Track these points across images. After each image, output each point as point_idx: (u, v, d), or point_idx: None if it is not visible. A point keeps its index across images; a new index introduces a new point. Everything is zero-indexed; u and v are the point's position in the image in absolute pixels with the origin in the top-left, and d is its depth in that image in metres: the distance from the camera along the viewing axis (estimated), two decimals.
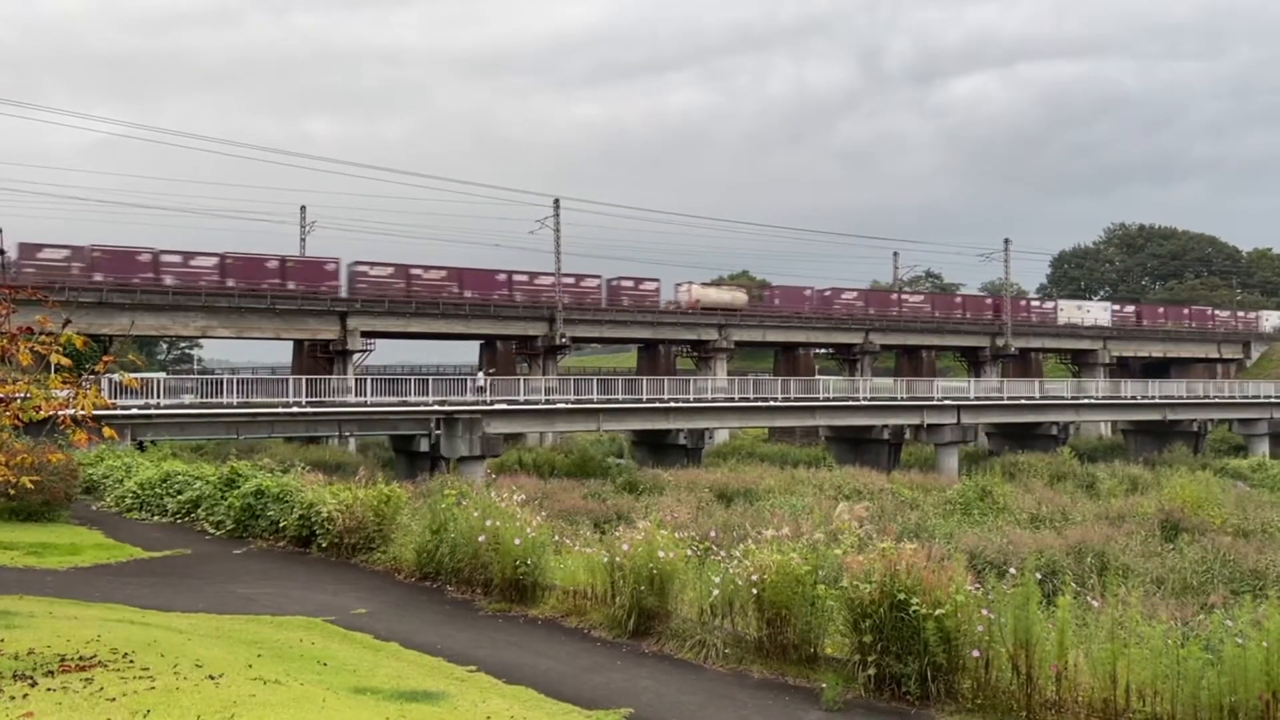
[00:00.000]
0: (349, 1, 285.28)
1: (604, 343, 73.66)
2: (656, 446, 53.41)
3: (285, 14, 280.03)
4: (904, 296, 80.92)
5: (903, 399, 56.10)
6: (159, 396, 37.75)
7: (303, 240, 65.41)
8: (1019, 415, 60.73)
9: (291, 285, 54.82)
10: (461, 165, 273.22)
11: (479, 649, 9.29)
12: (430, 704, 7.26)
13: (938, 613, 7.69)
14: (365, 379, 45.84)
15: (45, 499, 17.84)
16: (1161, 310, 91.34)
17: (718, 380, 58.85)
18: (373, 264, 58.14)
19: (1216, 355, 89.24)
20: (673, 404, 49.49)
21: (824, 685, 8.00)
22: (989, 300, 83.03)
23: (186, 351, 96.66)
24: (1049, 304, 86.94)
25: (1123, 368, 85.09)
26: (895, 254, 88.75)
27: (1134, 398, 65.19)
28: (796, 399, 53.23)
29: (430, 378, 47.11)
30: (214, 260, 53.48)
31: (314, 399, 41.21)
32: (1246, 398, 68.44)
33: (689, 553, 10.02)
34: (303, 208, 66.28)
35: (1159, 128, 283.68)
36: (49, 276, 47.46)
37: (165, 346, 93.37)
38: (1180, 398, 66.04)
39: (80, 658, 7.69)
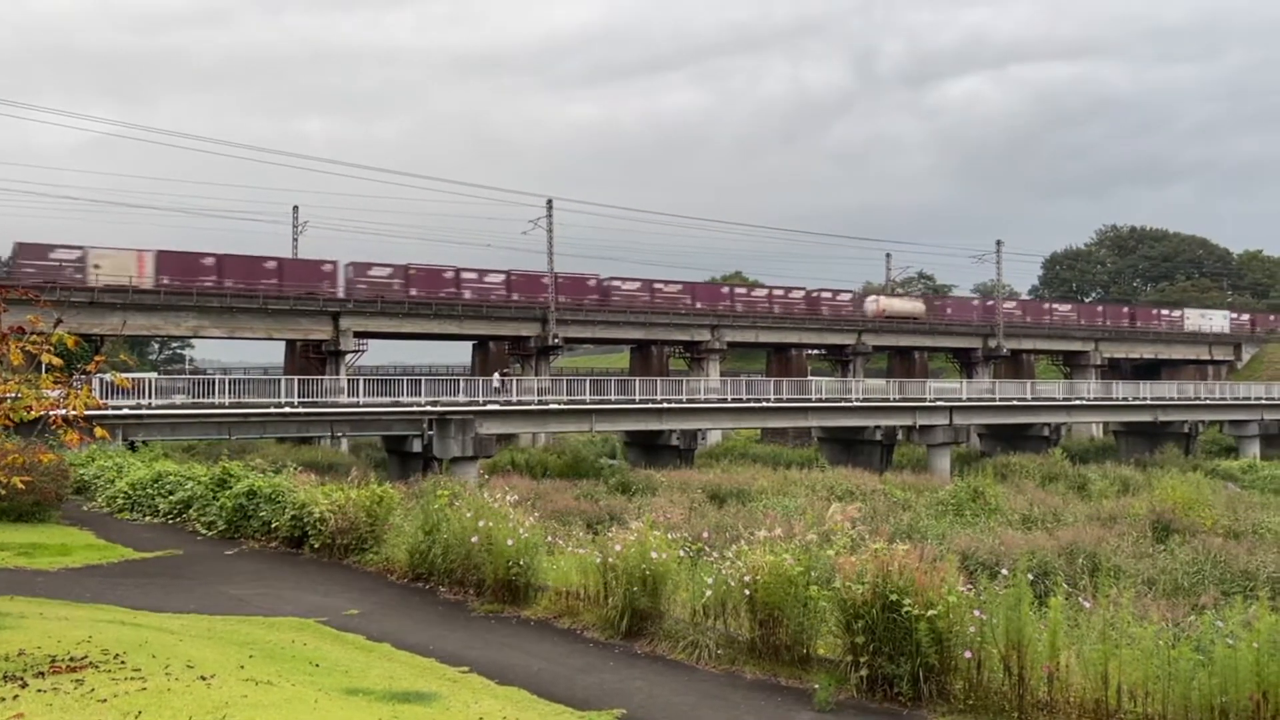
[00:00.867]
0: (343, 2, 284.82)
1: (597, 343, 73.90)
2: (649, 447, 53.42)
3: (279, 14, 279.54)
4: (1054, 306, 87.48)
5: (895, 400, 56.20)
6: (151, 397, 37.63)
7: (295, 241, 65.23)
8: (1011, 416, 60.87)
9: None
10: (456, 165, 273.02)
11: (471, 650, 9.28)
12: (422, 705, 7.25)
13: (930, 614, 7.69)
14: (358, 379, 45.77)
15: (36, 499, 17.77)
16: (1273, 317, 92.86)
17: (710, 381, 58.88)
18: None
19: (1208, 357, 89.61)
20: (665, 405, 49.51)
21: (816, 686, 8.01)
22: (1095, 307, 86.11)
23: (178, 352, 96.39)
24: (1175, 311, 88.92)
25: (1114, 369, 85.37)
26: (888, 255, 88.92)
27: (1125, 399, 65.41)
28: (789, 400, 53.29)
29: (423, 378, 47.10)
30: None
31: (306, 399, 41.13)
32: (1237, 399, 68.72)
33: (681, 553, 10.02)
34: (295, 208, 66.14)
35: (1152, 130, 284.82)
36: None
37: (157, 346, 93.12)
38: (1171, 399, 66.30)
39: (71, 659, 7.66)
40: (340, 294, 56.83)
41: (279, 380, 43.13)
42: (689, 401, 50.73)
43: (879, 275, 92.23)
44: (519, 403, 46.47)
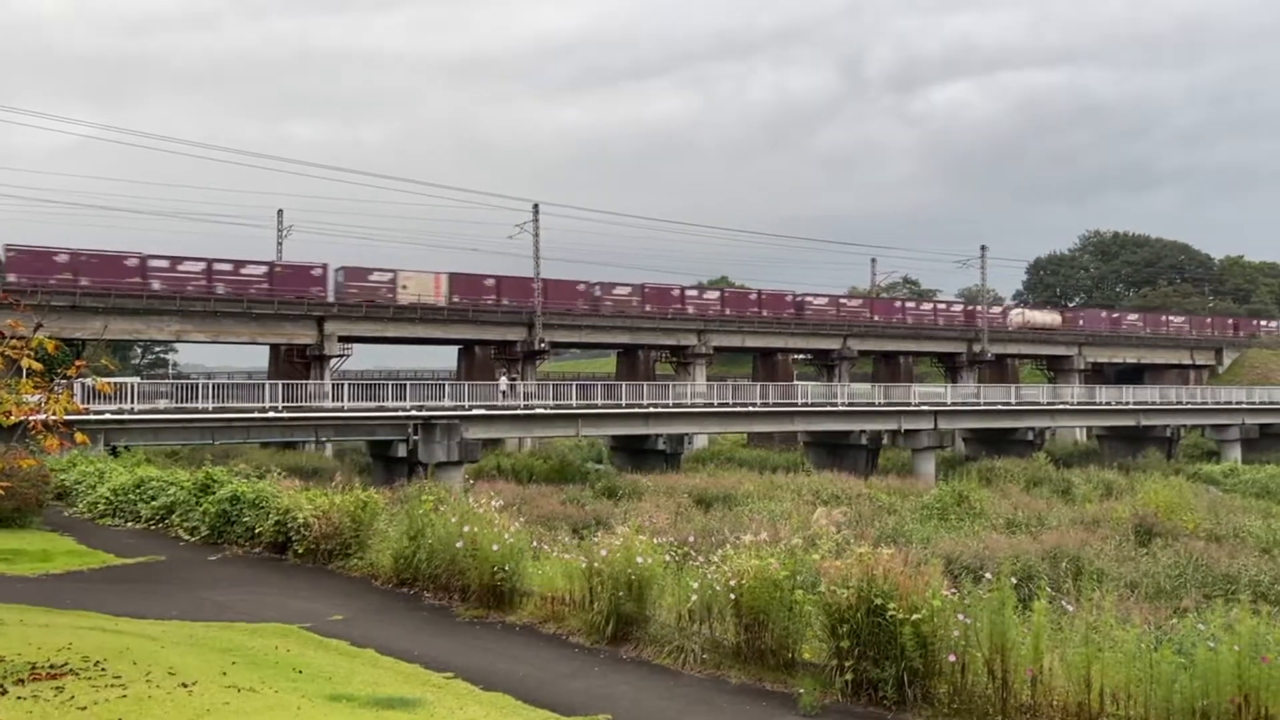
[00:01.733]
0: (330, 5, 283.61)
1: (583, 348, 73.89)
2: (636, 452, 53.43)
3: (263, 18, 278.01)
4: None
5: (880, 405, 56.35)
6: (133, 401, 37.36)
7: (279, 244, 64.92)
8: (996, 421, 61.16)
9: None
10: (443, 170, 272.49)
11: (456, 655, 9.24)
12: (406, 711, 7.23)
13: (914, 618, 7.71)
14: (343, 384, 45.60)
15: (16, 505, 17.60)
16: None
17: (697, 385, 58.95)
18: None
19: (1189, 361, 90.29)
20: (652, 409, 49.49)
21: (801, 690, 8.02)
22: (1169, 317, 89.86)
23: (161, 356, 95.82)
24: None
25: (1097, 373, 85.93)
26: (873, 260, 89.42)
27: (1109, 403, 65.79)
28: (775, 404, 53.37)
29: (408, 383, 46.94)
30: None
31: (291, 404, 40.93)
32: (1218, 403, 69.22)
33: (667, 558, 10.02)
34: (279, 211, 65.83)
35: (1135, 137, 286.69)
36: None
37: (140, 351, 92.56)
38: (1154, 403, 66.74)
39: (51, 666, 7.60)
40: (330, 298, 56.52)
41: (263, 385, 42.93)
42: (675, 406, 50.74)
43: (864, 279, 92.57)
44: (505, 407, 46.39)
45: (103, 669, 7.59)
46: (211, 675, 7.69)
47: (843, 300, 77.12)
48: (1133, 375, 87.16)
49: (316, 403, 42.31)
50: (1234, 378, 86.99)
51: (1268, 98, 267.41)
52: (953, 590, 8.08)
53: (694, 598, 9.21)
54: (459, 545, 11.13)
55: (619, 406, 48.73)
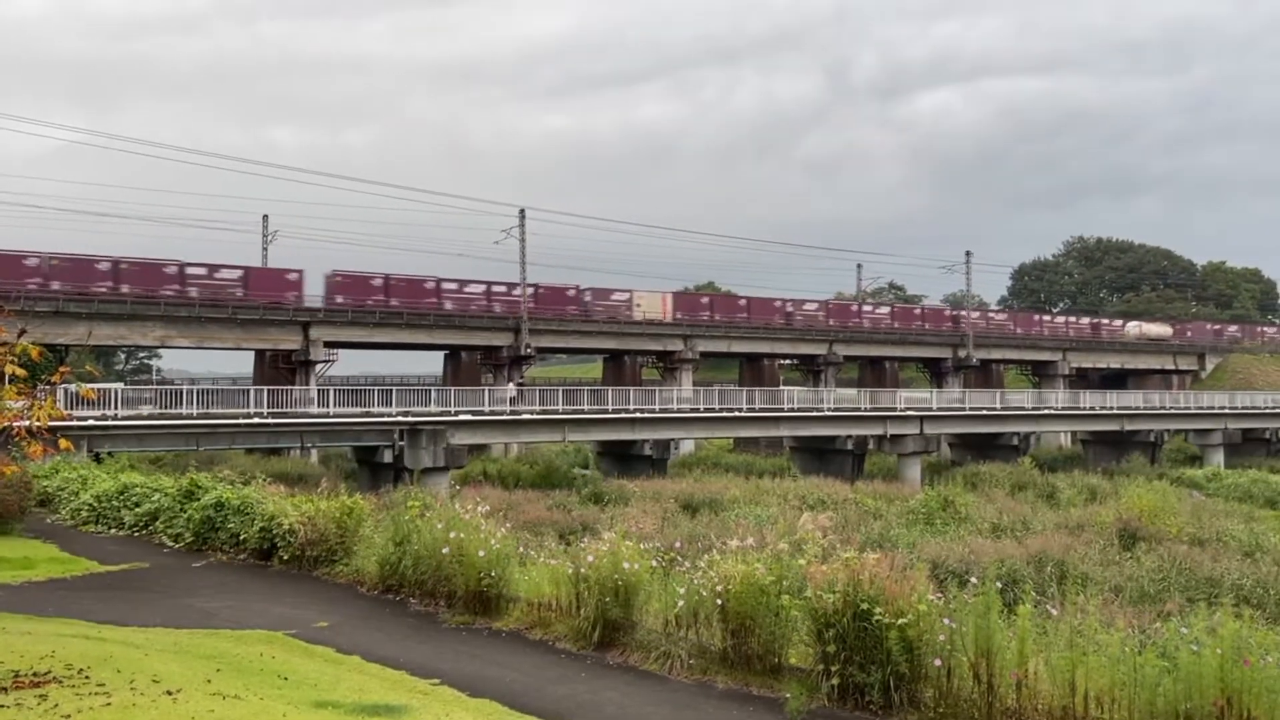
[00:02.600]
0: (317, 10, 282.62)
1: (570, 353, 73.83)
2: (622, 457, 53.43)
3: (251, 22, 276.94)
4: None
5: (866, 410, 56.52)
6: (116, 407, 37.13)
7: (264, 250, 64.65)
8: (981, 425, 61.44)
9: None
10: (429, 175, 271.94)
11: (442, 662, 9.22)
12: (392, 718, 7.21)
13: (900, 622, 7.74)
14: (328, 389, 45.48)
15: None
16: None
17: (683, 391, 59.02)
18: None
19: (1172, 367, 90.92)
20: (638, 415, 49.50)
21: (788, 695, 8.03)
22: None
23: (145, 362, 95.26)
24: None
25: (1081, 379, 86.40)
26: (859, 266, 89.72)
27: (1093, 409, 66.18)
28: (761, 410, 53.47)
29: (394, 388, 46.83)
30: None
31: (276, 410, 40.74)
32: (1201, 409, 69.74)
33: (654, 563, 10.02)
34: (265, 216, 65.59)
35: (1118, 143, 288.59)
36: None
37: (124, 357, 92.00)
38: (1138, 408, 67.18)
39: (34, 674, 7.54)
40: (317, 303, 56.18)
41: (248, 390, 42.73)
42: (662, 411, 50.78)
43: (850, 285, 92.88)
44: (492, 413, 46.31)
45: (86, 677, 7.53)
46: (196, 683, 7.65)
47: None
48: (1117, 381, 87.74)
49: (302, 408, 42.15)
50: (1216, 383, 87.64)
51: (1248, 105, 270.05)
52: (938, 595, 8.11)
53: (680, 603, 9.22)
54: (445, 552, 11.11)
55: (605, 412, 48.73)
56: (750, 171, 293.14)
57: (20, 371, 7.01)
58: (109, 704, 6.78)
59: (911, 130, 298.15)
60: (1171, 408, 68.88)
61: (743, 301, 73.61)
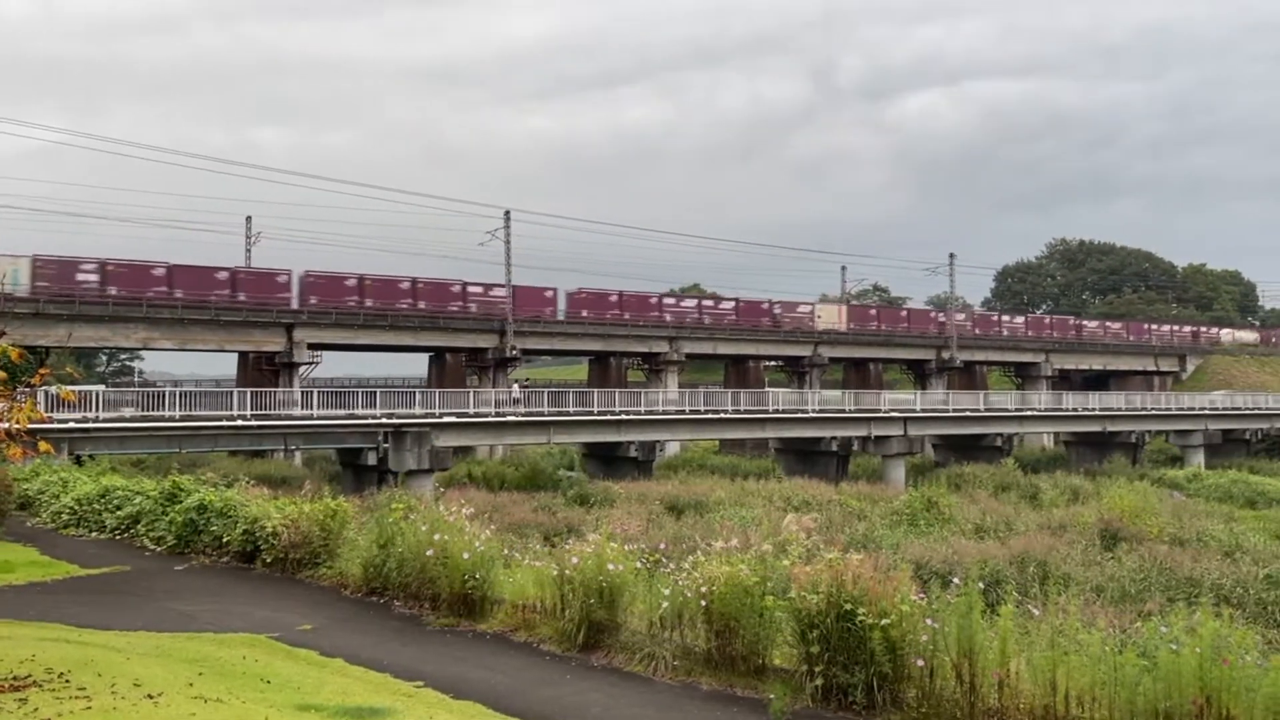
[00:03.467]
0: (299, 11, 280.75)
1: (555, 355, 73.60)
2: (608, 459, 53.40)
3: (233, 22, 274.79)
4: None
5: (850, 411, 56.69)
6: (98, 410, 36.84)
7: (248, 251, 64.34)
8: (964, 427, 61.75)
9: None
10: (411, 176, 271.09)
11: (426, 664, 9.20)
12: None
13: (883, 623, 7.77)
14: (312, 391, 45.23)
15: None
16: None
17: (669, 393, 59.03)
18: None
19: (1154, 368, 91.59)
20: (624, 417, 49.48)
21: (772, 696, 8.04)
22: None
23: (127, 364, 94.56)
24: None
25: (1064, 380, 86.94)
26: (843, 268, 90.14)
27: (1075, 410, 66.60)
28: (746, 411, 53.56)
29: (378, 390, 46.67)
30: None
31: (259, 412, 40.53)
32: (1182, 409, 70.31)
33: (639, 565, 10.03)
34: (248, 218, 65.29)
35: (1100, 146, 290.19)
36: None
37: (105, 359, 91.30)
38: (1120, 409, 67.65)
39: (14, 678, 7.49)
40: (296, 305, 55.96)
41: (230, 393, 42.49)
42: (647, 413, 50.77)
43: (834, 286, 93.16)
44: (476, 415, 46.21)
45: (67, 680, 7.49)
46: (178, 686, 7.62)
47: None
48: (1099, 382, 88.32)
49: (285, 411, 41.93)
50: (1197, 384, 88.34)
51: (1226, 109, 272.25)
52: (921, 595, 8.15)
53: (665, 604, 9.23)
54: (429, 554, 11.09)
55: (591, 414, 48.68)
56: (735, 174, 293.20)
57: (0, 374, 6.97)
58: (90, 708, 6.75)
59: (896, 133, 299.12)
60: (1153, 409, 69.36)
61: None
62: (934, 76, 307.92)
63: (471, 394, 49.36)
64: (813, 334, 73.42)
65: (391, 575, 11.87)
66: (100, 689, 7.29)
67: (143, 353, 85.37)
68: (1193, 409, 70.52)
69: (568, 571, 9.81)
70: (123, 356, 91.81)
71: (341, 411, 42.77)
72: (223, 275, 54.04)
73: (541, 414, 47.64)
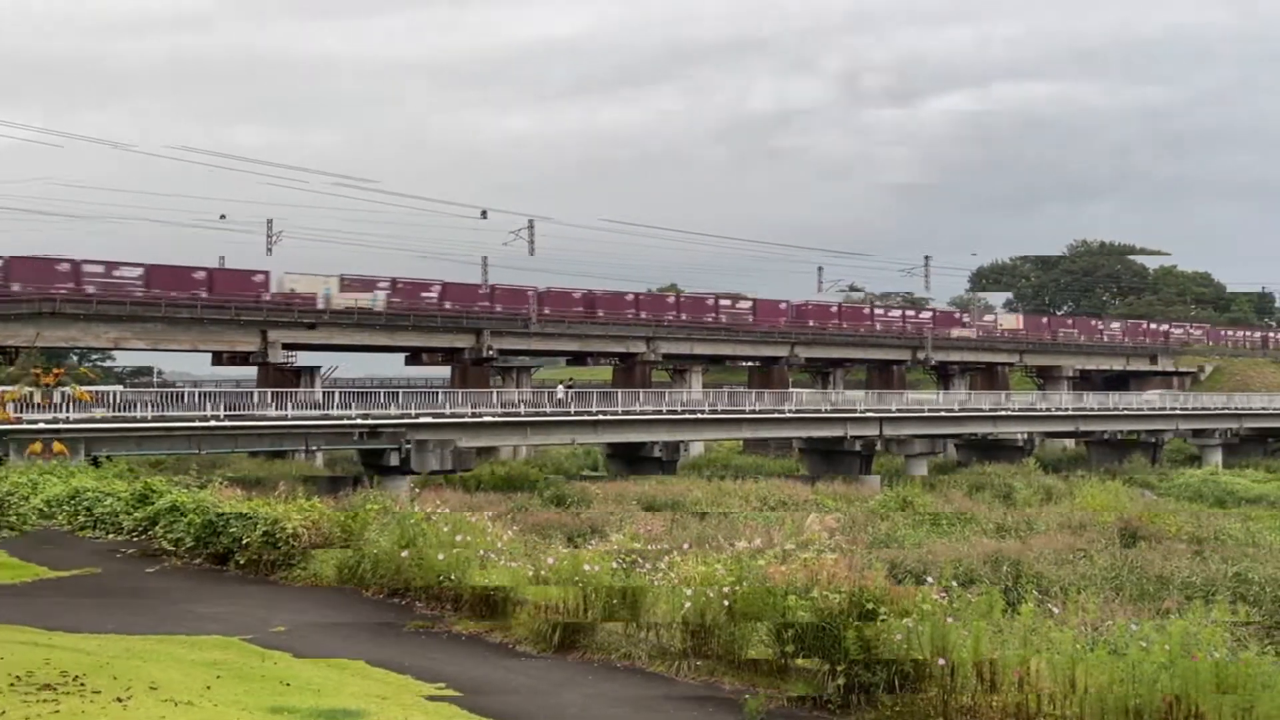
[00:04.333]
0: (284, 11, 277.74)
1: (533, 355, 72.38)
2: (631, 459, 53.23)
3: (211, 23, 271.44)
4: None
5: (860, 411, 56.60)
6: (110, 410, 36.69)
7: (269, 251, 64.29)
8: (965, 426, 61.65)
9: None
10: (391, 175, 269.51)
11: (402, 664, 9.14)
12: None
13: (858, 623, 7.72)
14: (334, 391, 45.37)
15: None
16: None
17: (693, 393, 58.90)
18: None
19: (1173, 369, 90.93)
20: (648, 417, 49.30)
21: (747, 696, 7.98)
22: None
23: (144, 365, 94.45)
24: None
25: (1085, 380, 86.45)
26: (820, 269, 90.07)
27: (1048, 409, 66.41)
28: (764, 411, 53.56)
29: (400, 390, 46.67)
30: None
31: (279, 412, 40.47)
32: (1200, 409, 69.86)
33: (614, 565, 9.94)
34: (269, 221, 65.23)
35: (1075, 149, 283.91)
36: None
37: (93, 358, 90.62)
38: (1138, 409, 67.64)
39: None
40: (275, 305, 54.24)
41: (252, 393, 42.56)
42: (669, 413, 50.64)
43: (811, 287, 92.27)
44: (504, 414, 45.91)
45: (35, 683, 7.48)
46: (146, 688, 7.58)
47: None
48: (1119, 382, 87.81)
49: (306, 410, 41.86)
50: (1215, 385, 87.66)
51: (1201, 116, 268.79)
52: (943, 595, 8.13)
53: (688, 605, 8.97)
54: (404, 555, 11.09)
55: (615, 414, 48.45)
56: (716, 175, 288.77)
57: None
58: (58, 711, 6.71)
59: (878, 134, 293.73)
60: (1171, 409, 68.97)
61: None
62: (917, 81, 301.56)
63: (494, 394, 49.21)
64: (789, 334, 72.03)
65: (366, 576, 11.86)
66: (69, 691, 7.20)
67: (114, 353, 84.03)
68: (1209, 409, 70.21)
69: (543, 572, 9.77)
70: (94, 356, 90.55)
71: (361, 411, 42.56)
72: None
73: (566, 414, 47.48)
